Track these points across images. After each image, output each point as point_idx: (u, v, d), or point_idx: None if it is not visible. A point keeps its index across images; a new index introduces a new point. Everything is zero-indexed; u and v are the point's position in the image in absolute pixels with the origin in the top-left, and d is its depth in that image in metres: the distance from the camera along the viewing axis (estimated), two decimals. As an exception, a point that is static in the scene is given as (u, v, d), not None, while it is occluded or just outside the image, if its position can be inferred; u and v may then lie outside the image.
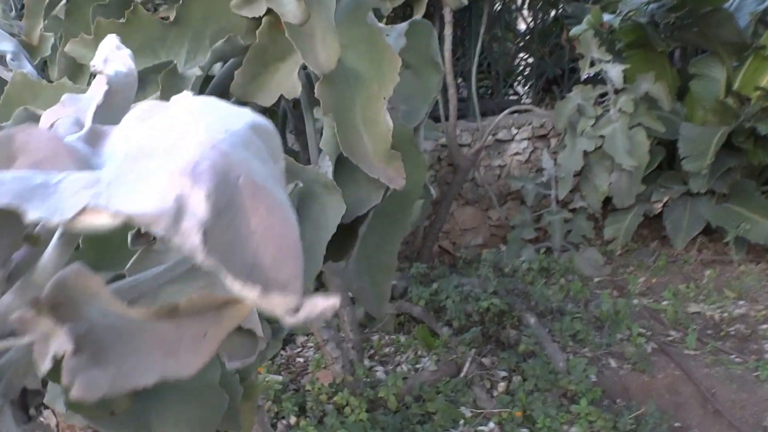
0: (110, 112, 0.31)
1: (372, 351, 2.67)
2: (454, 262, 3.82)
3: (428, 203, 3.19)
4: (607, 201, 3.57)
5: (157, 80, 0.69)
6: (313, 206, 0.74)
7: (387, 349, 2.69)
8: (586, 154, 3.27)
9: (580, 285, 3.15)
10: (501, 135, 4.01)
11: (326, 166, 0.70)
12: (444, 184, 3.93)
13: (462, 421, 2.07)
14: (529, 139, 4.00)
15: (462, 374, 2.29)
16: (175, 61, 0.70)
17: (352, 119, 0.71)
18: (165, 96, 0.68)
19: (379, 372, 2.45)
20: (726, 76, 3.34)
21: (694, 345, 2.68)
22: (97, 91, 0.30)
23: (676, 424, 2.25)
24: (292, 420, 2.05)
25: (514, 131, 4.00)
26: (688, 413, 2.34)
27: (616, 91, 3.10)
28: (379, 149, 0.71)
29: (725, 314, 2.96)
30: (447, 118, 3.55)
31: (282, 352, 3.01)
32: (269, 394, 2.15)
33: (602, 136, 3.01)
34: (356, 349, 2.29)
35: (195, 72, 0.68)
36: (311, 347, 2.94)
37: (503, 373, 2.36)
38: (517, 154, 4.04)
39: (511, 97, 4.61)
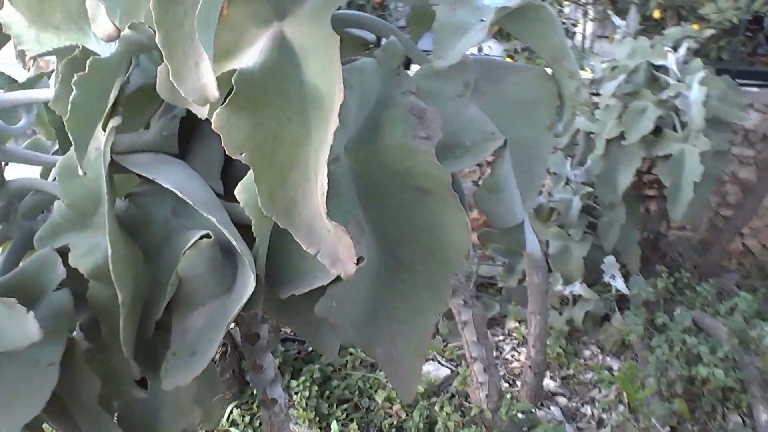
0: None
1: (568, 371, 2.39)
2: (750, 272, 3.21)
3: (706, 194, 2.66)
4: None
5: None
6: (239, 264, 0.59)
7: (588, 375, 2.37)
8: None
9: None
10: None
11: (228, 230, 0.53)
12: (765, 169, 3.26)
13: None
14: None
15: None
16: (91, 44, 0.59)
17: (302, 161, 0.51)
18: (64, 88, 0.57)
19: (554, 407, 2.18)
20: None
21: None
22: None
23: None
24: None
25: None
26: None
27: None
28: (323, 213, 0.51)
29: None
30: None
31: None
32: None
33: None
34: (535, 371, 2.05)
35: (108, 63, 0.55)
36: (515, 339, 2.77)
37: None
38: None
39: None
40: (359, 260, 0.55)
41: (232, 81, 0.48)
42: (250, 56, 0.51)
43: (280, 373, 2.32)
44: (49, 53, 0.61)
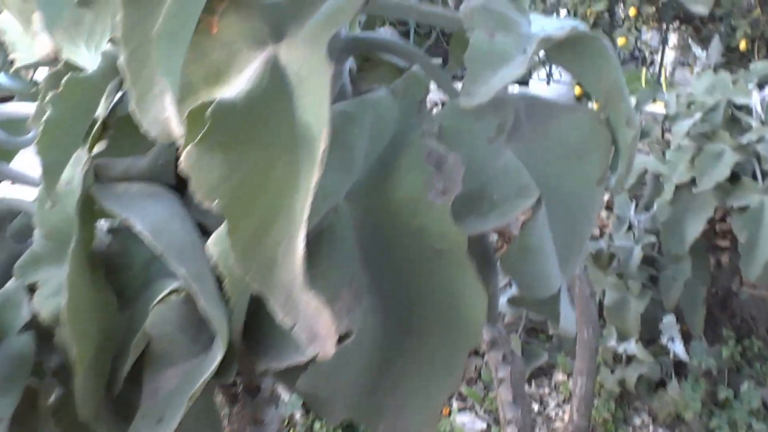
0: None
1: (615, 440, 2.24)
2: None
3: None
4: None
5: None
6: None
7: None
8: None
9: None
10: None
11: (208, 300, 0.47)
12: None
13: None
14: None
15: None
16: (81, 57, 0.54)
17: (287, 211, 0.45)
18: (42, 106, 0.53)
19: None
20: None
21: None
22: None
23: None
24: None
25: None
26: None
27: None
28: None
29: None
30: None
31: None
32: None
33: None
34: (577, 434, 1.93)
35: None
36: (561, 394, 2.64)
37: None
38: None
39: None
40: (346, 336, 0.49)
41: (207, 113, 0.42)
42: (240, 83, 0.45)
43: (306, 412, 2.25)
44: (36, 64, 0.57)
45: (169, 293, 0.51)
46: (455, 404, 2.52)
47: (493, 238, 0.80)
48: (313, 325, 0.44)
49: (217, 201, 0.43)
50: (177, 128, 0.39)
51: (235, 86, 0.45)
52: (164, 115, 0.39)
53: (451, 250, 0.52)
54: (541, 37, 0.55)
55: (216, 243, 0.47)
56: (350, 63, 0.69)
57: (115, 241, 0.60)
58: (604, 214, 3.50)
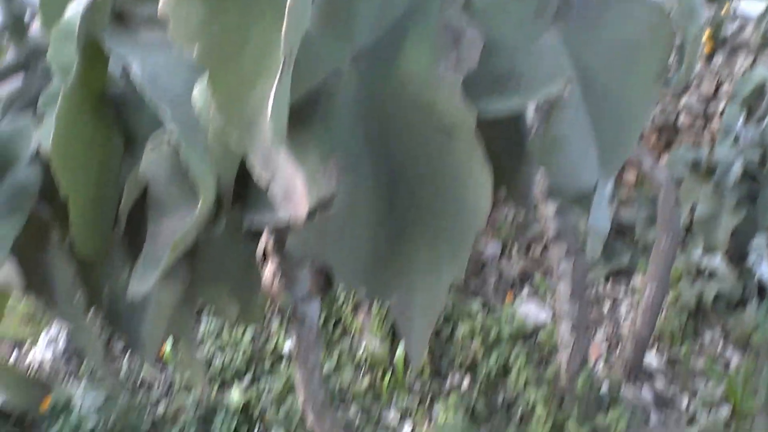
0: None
1: (679, 352, 2.17)
2: None
3: None
4: None
5: None
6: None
7: (700, 364, 2.15)
8: None
9: None
10: None
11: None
12: None
13: None
14: None
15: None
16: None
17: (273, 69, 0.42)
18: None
19: (648, 389, 1.99)
20: None
21: None
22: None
23: None
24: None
25: None
26: None
27: None
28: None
29: None
30: None
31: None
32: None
33: None
34: (635, 343, 1.88)
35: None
36: (634, 300, 2.58)
37: None
38: None
39: None
40: (326, 203, 0.46)
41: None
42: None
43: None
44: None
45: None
46: (526, 290, 2.50)
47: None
48: (288, 185, 0.42)
49: (196, 49, 0.40)
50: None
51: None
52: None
53: (458, 128, 0.48)
54: None
55: (200, 94, 0.45)
56: None
57: (130, 83, 0.59)
58: (717, 123, 3.23)
